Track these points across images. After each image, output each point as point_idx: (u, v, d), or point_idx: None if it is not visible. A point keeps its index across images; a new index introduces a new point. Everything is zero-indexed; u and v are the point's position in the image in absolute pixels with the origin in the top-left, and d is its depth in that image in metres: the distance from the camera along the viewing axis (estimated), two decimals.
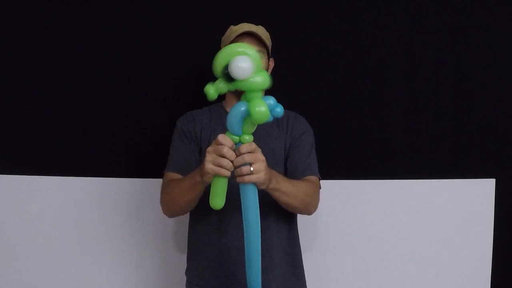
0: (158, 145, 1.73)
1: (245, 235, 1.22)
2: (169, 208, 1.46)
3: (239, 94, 1.50)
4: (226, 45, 1.51)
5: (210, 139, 1.49)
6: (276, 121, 1.53)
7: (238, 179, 1.17)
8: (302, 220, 1.59)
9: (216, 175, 1.18)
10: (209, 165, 1.17)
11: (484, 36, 1.94)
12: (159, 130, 1.85)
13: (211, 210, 1.43)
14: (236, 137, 1.16)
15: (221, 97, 1.62)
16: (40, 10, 1.89)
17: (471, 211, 1.94)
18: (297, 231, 1.57)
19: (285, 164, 1.49)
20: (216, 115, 1.56)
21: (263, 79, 1.11)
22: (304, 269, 1.58)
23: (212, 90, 1.11)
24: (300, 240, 1.58)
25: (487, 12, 1.94)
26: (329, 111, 1.92)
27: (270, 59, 1.58)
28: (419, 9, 1.93)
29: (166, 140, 1.58)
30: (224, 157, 1.15)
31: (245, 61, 1.07)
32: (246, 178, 1.16)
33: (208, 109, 1.59)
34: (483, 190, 1.94)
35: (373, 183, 1.92)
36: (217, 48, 1.59)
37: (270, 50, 1.55)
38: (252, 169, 1.15)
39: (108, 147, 1.90)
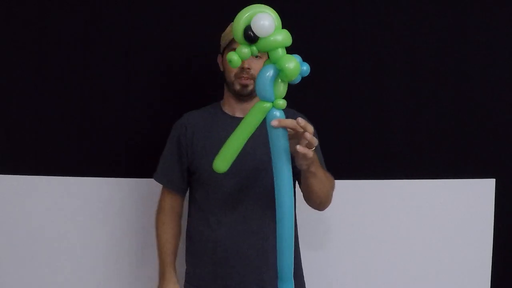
0: (158, 145, 1.73)
1: (277, 223, 1.18)
2: None
3: (237, 95, 1.51)
4: (225, 42, 1.51)
5: (205, 140, 1.50)
6: None
7: (301, 149, 1.13)
8: (302, 220, 1.59)
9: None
10: None
11: (484, 36, 1.94)
12: (159, 130, 1.85)
13: (207, 213, 1.44)
14: (269, 104, 1.13)
15: (219, 97, 1.63)
16: (40, 10, 1.88)
17: (471, 211, 1.94)
18: (297, 231, 1.57)
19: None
20: (212, 116, 1.56)
21: (285, 36, 1.10)
22: (304, 269, 1.58)
23: (235, 57, 1.09)
24: (299, 240, 1.58)
25: (487, 12, 1.94)
26: (329, 111, 1.92)
27: None
28: (419, 9, 1.93)
29: (166, 140, 1.59)
30: None
31: (266, 17, 1.07)
32: (311, 152, 1.14)
33: (204, 110, 1.59)
34: (483, 190, 1.94)
35: (373, 183, 1.92)
36: (217, 48, 1.60)
37: None
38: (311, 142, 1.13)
39: (108, 147, 1.90)
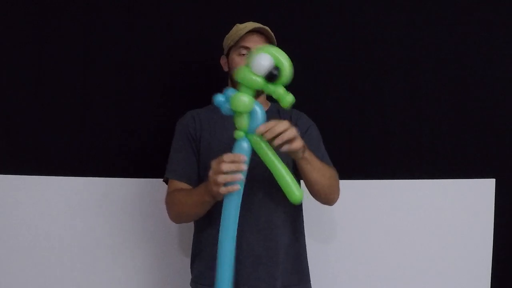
0: (158, 145, 1.73)
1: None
2: (178, 219, 1.51)
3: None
4: (230, 43, 1.51)
5: (210, 138, 1.49)
6: (279, 118, 1.53)
7: (280, 147, 1.20)
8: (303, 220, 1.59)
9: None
10: (220, 178, 1.19)
11: (484, 36, 1.95)
12: (159, 130, 1.86)
13: (213, 209, 1.43)
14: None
15: None
16: (40, 10, 1.89)
17: (471, 211, 1.94)
18: (303, 228, 1.56)
19: (294, 161, 1.49)
20: (216, 115, 1.55)
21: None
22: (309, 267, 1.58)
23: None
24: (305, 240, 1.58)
25: (487, 12, 1.94)
26: (329, 111, 1.92)
27: None
28: (419, 9, 1.93)
29: (166, 140, 1.59)
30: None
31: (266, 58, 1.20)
32: (286, 146, 1.20)
33: (208, 109, 1.59)
34: (483, 190, 1.94)
35: (373, 183, 1.92)
36: (218, 47, 1.60)
37: None
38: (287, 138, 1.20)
39: (108, 147, 1.90)
